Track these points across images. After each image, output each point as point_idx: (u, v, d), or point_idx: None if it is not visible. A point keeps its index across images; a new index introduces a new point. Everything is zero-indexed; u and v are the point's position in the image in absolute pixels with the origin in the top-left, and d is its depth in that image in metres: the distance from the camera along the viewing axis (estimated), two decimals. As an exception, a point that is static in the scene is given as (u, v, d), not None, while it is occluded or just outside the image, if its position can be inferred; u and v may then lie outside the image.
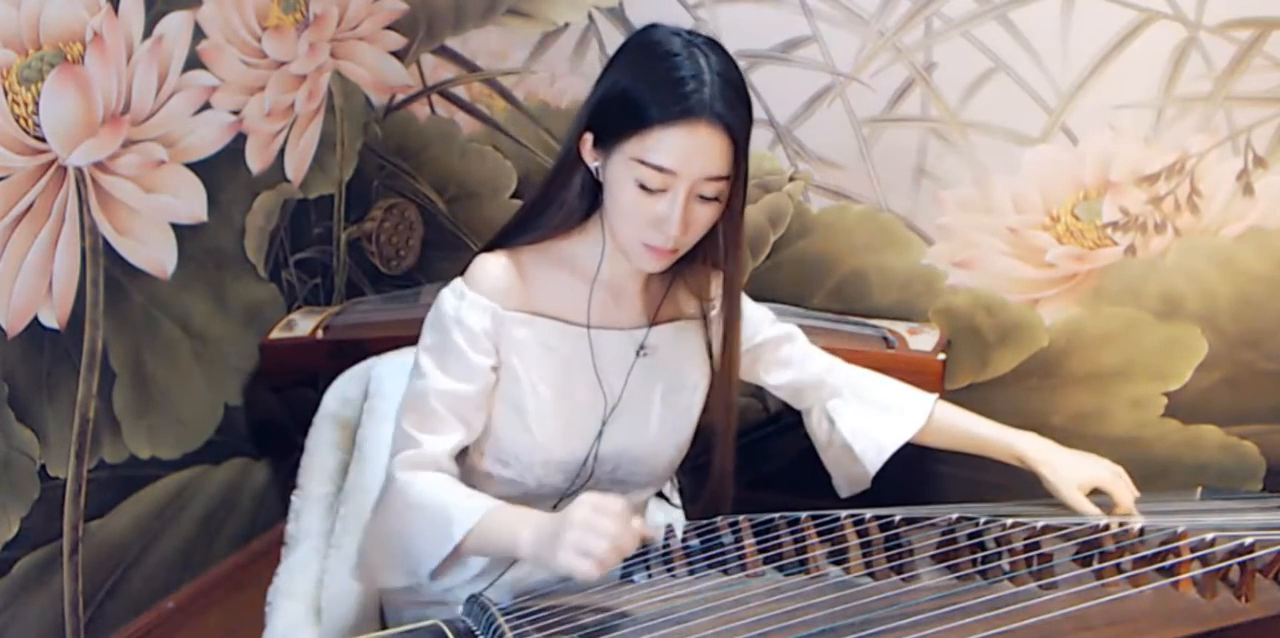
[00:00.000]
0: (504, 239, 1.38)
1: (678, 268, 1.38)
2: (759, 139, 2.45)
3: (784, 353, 1.54)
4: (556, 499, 1.41)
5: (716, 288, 1.42)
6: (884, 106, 2.35)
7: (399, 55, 2.65)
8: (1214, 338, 2.29)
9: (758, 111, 2.42)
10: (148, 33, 2.04)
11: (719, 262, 1.36)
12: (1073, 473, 1.44)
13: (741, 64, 1.29)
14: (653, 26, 1.30)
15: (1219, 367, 2.30)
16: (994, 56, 2.25)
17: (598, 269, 1.36)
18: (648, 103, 1.22)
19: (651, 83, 1.23)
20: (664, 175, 1.23)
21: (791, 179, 2.46)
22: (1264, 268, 2.22)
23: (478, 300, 1.33)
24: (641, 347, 1.40)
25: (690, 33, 1.28)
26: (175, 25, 2.10)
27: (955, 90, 2.30)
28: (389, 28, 2.63)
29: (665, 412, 1.42)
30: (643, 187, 1.24)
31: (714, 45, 1.27)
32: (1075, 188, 2.29)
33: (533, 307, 1.35)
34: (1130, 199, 2.26)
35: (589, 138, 1.29)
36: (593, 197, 1.33)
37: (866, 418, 1.52)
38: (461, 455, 1.41)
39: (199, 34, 2.17)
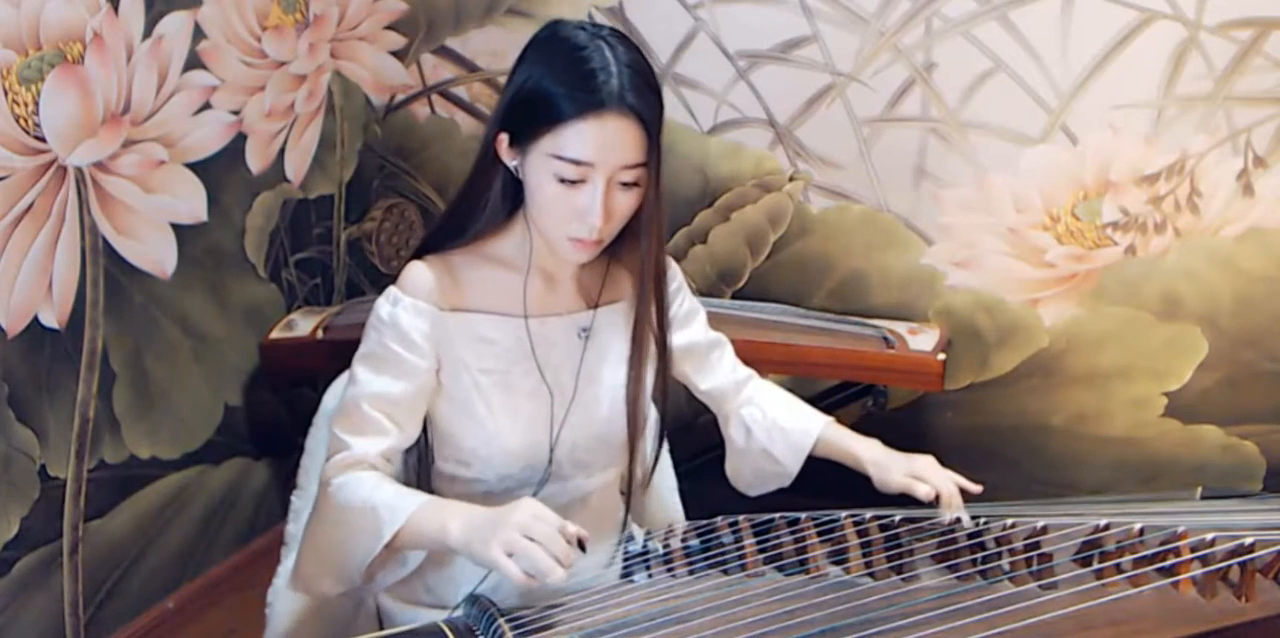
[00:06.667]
0: (432, 245, 1.40)
1: (613, 249, 1.39)
2: (759, 139, 2.45)
3: (714, 358, 1.59)
4: (522, 494, 1.42)
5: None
6: (884, 106, 2.35)
7: (399, 55, 2.65)
8: (1214, 338, 2.29)
9: (758, 111, 2.43)
10: (148, 33, 2.04)
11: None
12: (894, 464, 1.47)
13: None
14: (557, 22, 1.32)
15: (1219, 367, 2.30)
16: (994, 56, 2.26)
17: (529, 261, 1.38)
18: (558, 99, 1.25)
19: (559, 79, 1.25)
20: (581, 167, 1.25)
21: (791, 179, 2.46)
22: (1264, 268, 2.23)
23: (413, 304, 1.34)
24: (584, 330, 1.42)
25: (595, 26, 1.31)
26: (175, 25, 2.10)
27: (955, 90, 2.30)
28: (389, 28, 2.63)
29: (615, 390, 1.44)
30: (562, 180, 1.26)
31: (620, 37, 1.29)
32: (1075, 188, 2.29)
33: (468, 304, 1.37)
34: (1130, 199, 2.26)
35: (504, 138, 1.31)
36: (514, 195, 1.36)
37: (779, 424, 1.57)
38: (411, 459, 1.44)
39: (199, 34, 2.17)
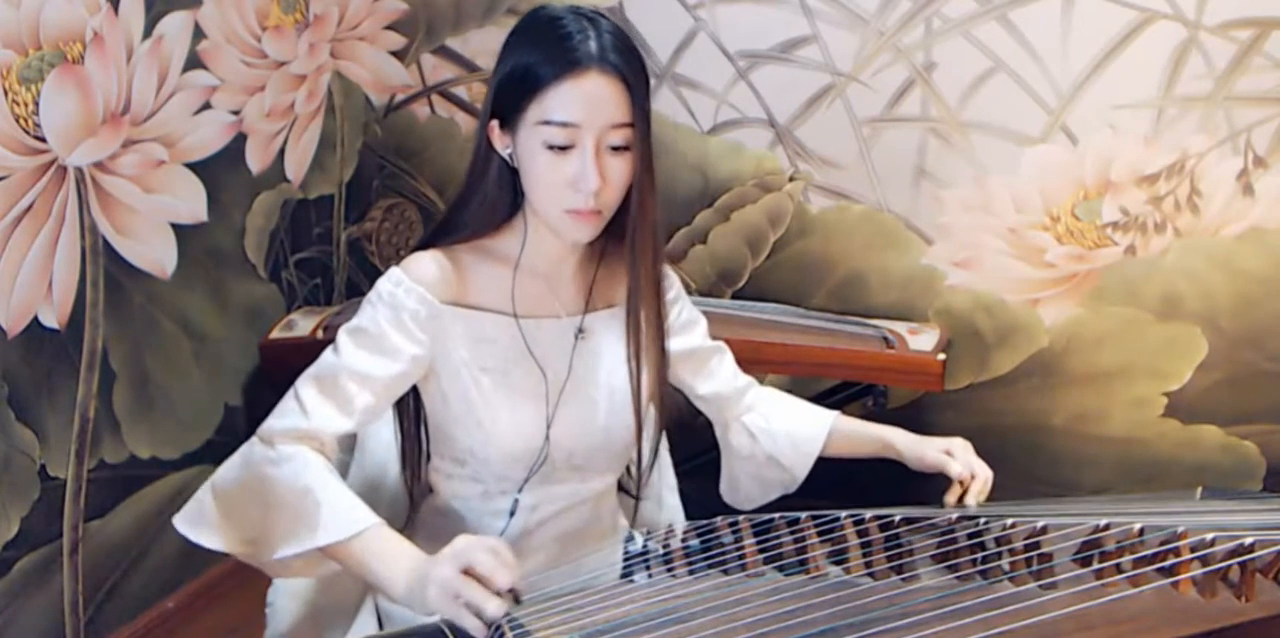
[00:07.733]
0: (434, 239, 1.39)
1: (605, 248, 1.40)
2: (759, 139, 2.45)
3: (713, 364, 1.58)
4: (516, 492, 1.42)
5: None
6: (884, 106, 2.35)
7: (399, 55, 2.65)
8: (1214, 338, 2.29)
9: (758, 111, 2.43)
10: (148, 33, 2.04)
11: (634, 216, 1.36)
12: (927, 441, 1.52)
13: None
14: (537, 7, 1.33)
15: (1219, 367, 2.30)
16: (994, 56, 2.26)
17: (519, 257, 1.37)
18: (538, 66, 1.25)
19: (539, 49, 1.26)
20: (568, 130, 1.25)
21: (791, 179, 2.46)
22: (1264, 268, 2.23)
23: (414, 288, 1.33)
24: (579, 330, 1.41)
25: (575, 6, 1.31)
26: (175, 25, 2.10)
27: (955, 90, 2.30)
28: (389, 28, 2.63)
29: (612, 395, 1.43)
30: (551, 148, 1.26)
31: (600, 14, 1.30)
32: (1075, 188, 2.29)
33: (467, 300, 1.37)
34: (1130, 199, 2.26)
35: (495, 126, 1.31)
36: (512, 188, 1.35)
37: (785, 428, 1.57)
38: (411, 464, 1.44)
39: (199, 34, 2.17)
